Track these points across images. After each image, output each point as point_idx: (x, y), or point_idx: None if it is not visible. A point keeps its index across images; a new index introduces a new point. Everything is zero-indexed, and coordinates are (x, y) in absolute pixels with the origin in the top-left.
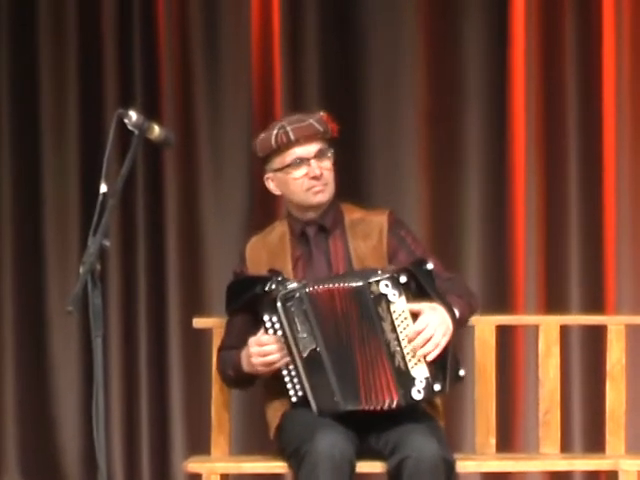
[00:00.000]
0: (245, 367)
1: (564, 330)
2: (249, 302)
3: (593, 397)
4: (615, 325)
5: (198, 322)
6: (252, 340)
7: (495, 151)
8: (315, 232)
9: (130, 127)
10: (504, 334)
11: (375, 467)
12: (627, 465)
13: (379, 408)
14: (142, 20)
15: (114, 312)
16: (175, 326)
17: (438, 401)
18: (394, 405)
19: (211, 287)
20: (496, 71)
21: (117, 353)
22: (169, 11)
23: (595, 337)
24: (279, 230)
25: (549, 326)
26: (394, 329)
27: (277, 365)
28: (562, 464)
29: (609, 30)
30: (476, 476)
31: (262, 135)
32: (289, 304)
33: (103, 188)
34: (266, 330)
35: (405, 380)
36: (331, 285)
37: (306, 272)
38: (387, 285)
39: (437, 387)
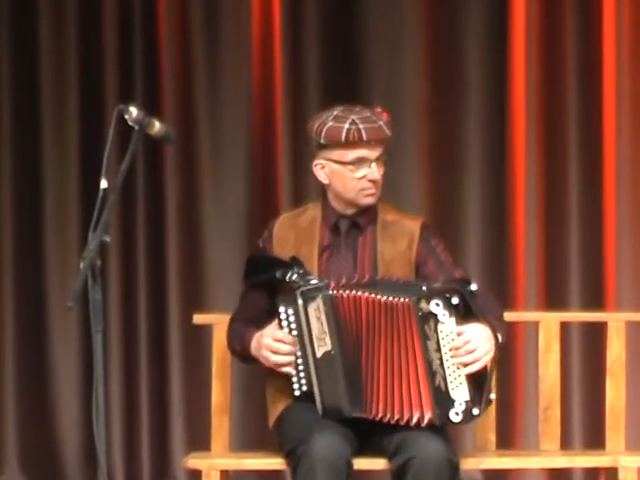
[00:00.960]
0: (252, 350)
1: (564, 327)
2: (267, 282)
3: (593, 394)
4: (615, 322)
5: (198, 318)
6: (269, 331)
7: (495, 147)
8: (347, 227)
9: (130, 123)
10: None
11: (376, 464)
12: (627, 462)
13: (397, 420)
14: (143, 15)
15: (114, 308)
16: (175, 322)
17: None
18: (424, 422)
19: (211, 283)
20: (496, 64)
21: (117, 349)
22: (170, 6)
23: (595, 333)
24: (311, 214)
25: (549, 322)
26: (439, 349)
27: (281, 367)
28: (562, 461)
29: (609, 21)
30: (476, 472)
31: (330, 123)
32: (310, 302)
33: (103, 184)
34: (280, 322)
35: (444, 400)
36: (359, 293)
37: (330, 265)
38: (438, 304)
39: (476, 411)
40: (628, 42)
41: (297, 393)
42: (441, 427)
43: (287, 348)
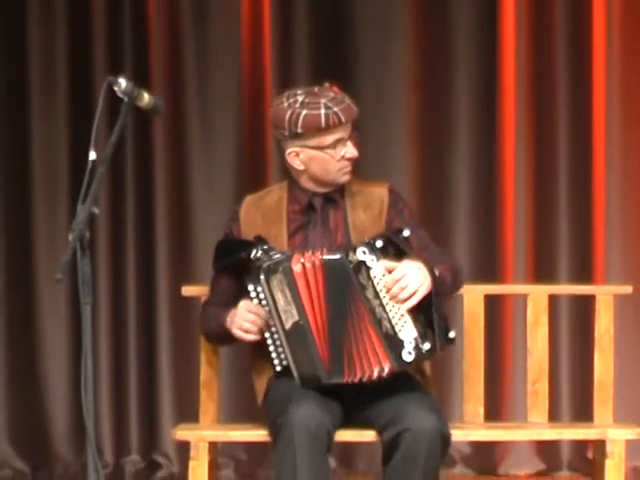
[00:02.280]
0: (227, 324)
1: (553, 300)
2: (233, 264)
3: (581, 367)
4: (603, 295)
5: (187, 290)
6: (244, 303)
7: (485, 122)
8: (322, 203)
9: (119, 94)
10: (492, 303)
11: (365, 436)
12: (615, 434)
13: (367, 378)
14: None
15: (103, 280)
16: (164, 294)
17: (428, 370)
18: (385, 372)
19: (200, 255)
20: (486, 41)
21: (106, 321)
22: None
23: (583, 307)
24: (276, 195)
25: (538, 296)
26: (377, 295)
27: (250, 335)
28: (550, 433)
29: (599, 7)
30: (464, 445)
31: (304, 112)
32: (271, 277)
33: (92, 155)
34: (251, 299)
35: (394, 344)
36: (306, 261)
37: (307, 241)
38: (364, 252)
39: (426, 346)
40: (618, 28)
41: (278, 368)
42: (431, 397)
43: (257, 319)
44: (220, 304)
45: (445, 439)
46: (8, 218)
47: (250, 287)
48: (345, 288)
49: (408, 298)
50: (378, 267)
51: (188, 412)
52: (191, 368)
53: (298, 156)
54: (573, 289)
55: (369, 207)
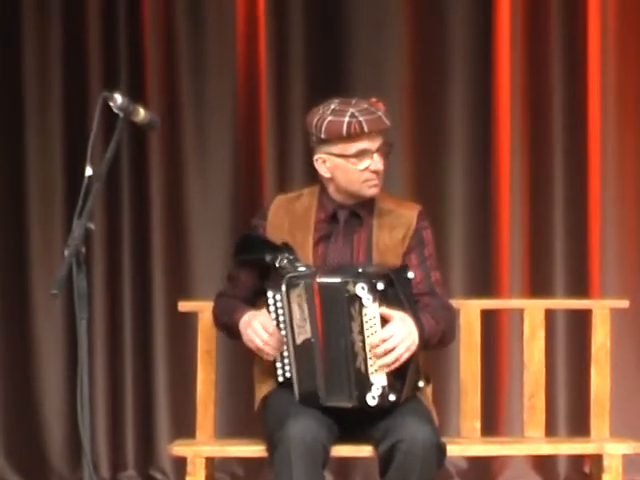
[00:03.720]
0: (241, 324)
1: (549, 314)
2: (255, 262)
3: (578, 381)
4: (600, 309)
5: (183, 306)
6: (264, 318)
7: (480, 132)
8: (346, 217)
9: (115, 110)
10: (489, 318)
11: (360, 452)
12: (612, 449)
13: (345, 405)
14: (127, 1)
15: (99, 295)
16: (160, 309)
17: (428, 390)
18: (350, 405)
19: (196, 270)
20: (482, 48)
21: (102, 336)
22: None
23: (580, 321)
24: (306, 201)
25: (534, 310)
26: (362, 331)
27: (260, 353)
28: (547, 448)
29: (594, 6)
30: (461, 460)
31: (329, 118)
32: (292, 289)
33: (88, 171)
34: (268, 306)
35: (362, 383)
36: (325, 279)
37: (327, 254)
38: (363, 288)
39: (392, 397)
40: (613, 26)
41: (280, 379)
42: (427, 411)
43: (270, 339)
44: (237, 297)
45: (440, 449)
46: (3, 232)
47: (269, 294)
48: (339, 313)
49: (390, 363)
50: (372, 308)
51: (185, 427)
52: (188, 383)
53: (325, 163)
54: (569, 304)
55: (395, 230)
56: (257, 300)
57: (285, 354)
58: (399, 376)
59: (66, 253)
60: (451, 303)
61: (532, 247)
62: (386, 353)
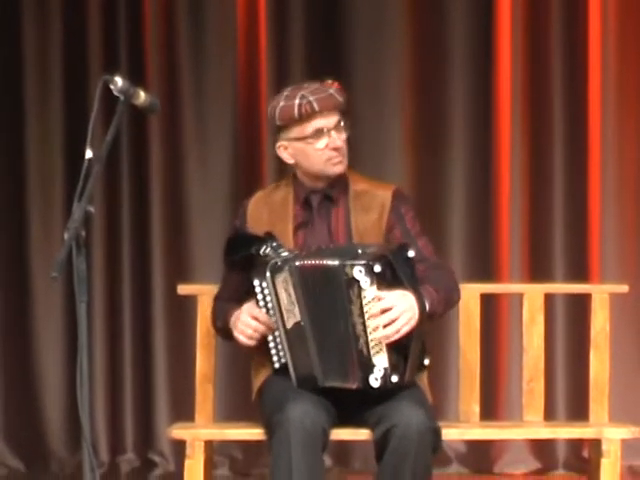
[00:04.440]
0: (231, 324)
1: (548, 299)
2: (243, 260)
3: (577, 365)
4: (599, 294)
5: (182, 289)
6: (247, 307)
7: (481, 121)
8: (319, 200)
9: (115, 93)
10: (488, 302)
11: (358, 435)
12: (610, 433)
13: (354, 386)
14: None
15: (98, 278)
16: (159, 293)
17: (425, 376)
18: (354, 386)
19: (195, 254)
20: (482, 39)
21: (101, 319)
22: None
23: (579, 305)
24: (283, 191)
25: (533, 294)
26: (362, 314)
27: (251, 342)
28: (545, 432)
29: (595, 7)
30: (460, 444)
31: (281, 104)
32: (277, 275)
33: (88, 154)
34: (255, 295)
35: (365, 365)
36: (314, 261)
37: (306, 240)
38: (360, 271)
39: (394, 378)
40: (614, 19)
41: (277, 365)
42: (423, 395)
43: (260, 327)
44: (230, 300)
45: (435, 434)
46: (3, 217)
47: (255, 282)
48: (337, 295)
49: (390, 335)
50: (370, 291)
51: (184, 411)
52: (187, 367)
53: (287, 150)
54: (569, 288)
55: (370, 210)
56: (247, 299)
57: (278, 340)
58: (401, 357)
59: (66, 236)
60: (442, 261)
61: (532, 232)
62: (387, 324)
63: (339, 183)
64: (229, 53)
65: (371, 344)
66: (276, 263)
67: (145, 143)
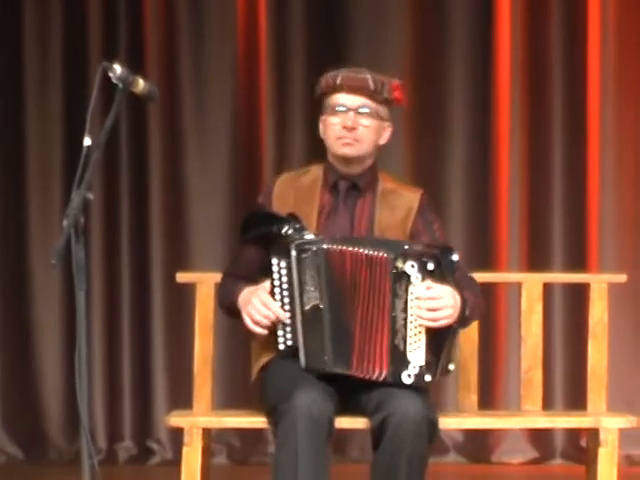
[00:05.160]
0: (239, 302)
1: (547, 288)
2: (262, 237)
3: (575, 355)
4: (598, 283)
5: (181, 277)
6: (262, 293)
7: (480, 108)
8: (346, 188)
9: (114, 80)
10: (487, 291)
11: (357, 423)
12: (608, 423)
13: (368, 377)
14: None
15: (97, 266)
16: (158, 280)
17: None
18: (381, 378)
19: (194, 242)
20: (482, 28)
21: (100, 307)
22: None
23: (578, 295)
24: (313, 174)
25: (532, 284)
26: (405, 309)
27: (259, 329)
28: (543, 421)
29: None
30: (458, 433)
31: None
32: (304, 255)
33: (87, 141)
34: (272, 274)
35: (400, 360)
36: (350, 248)
37: (327, 225)
38: (413, 266)
39: (428, 378)
40: (613, 6)
41: (281, 347)
42: (421, 386)
43: (270, 315)
44: (240, 276)
45: (432, 425)
46: (2, 203)
47: (274, 260)
48: (379, 286)
49: (428, 319)
50: (419, 287)
51: (182, 398)
52: (185, 355)
53: (321, 123)
54: (567, 277)
55: (397, 209)
56: (260, 277)
57: (287, 321)
58: (435, 357)
59: (65, 223)
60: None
61: (530, 221)
62: (430, 310)
63: (368, 175)
64: (229, 42)
65: (409, 340)
66: (302, 243)
67: (144, 131)
